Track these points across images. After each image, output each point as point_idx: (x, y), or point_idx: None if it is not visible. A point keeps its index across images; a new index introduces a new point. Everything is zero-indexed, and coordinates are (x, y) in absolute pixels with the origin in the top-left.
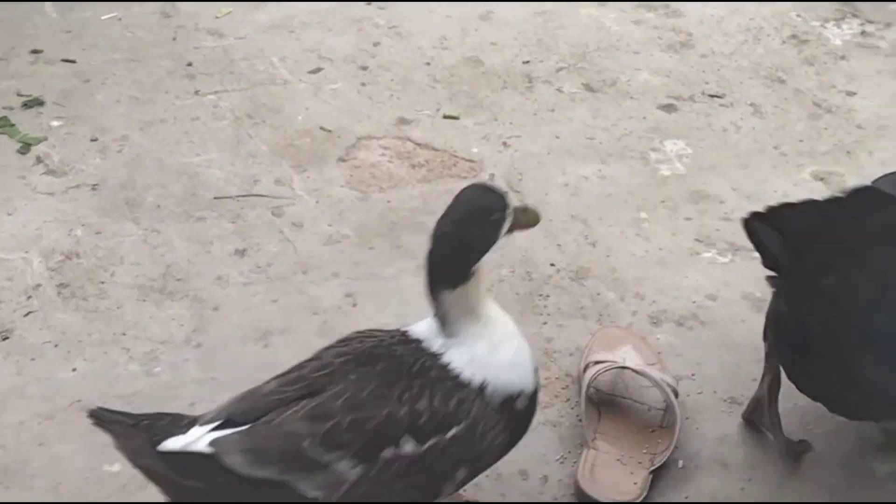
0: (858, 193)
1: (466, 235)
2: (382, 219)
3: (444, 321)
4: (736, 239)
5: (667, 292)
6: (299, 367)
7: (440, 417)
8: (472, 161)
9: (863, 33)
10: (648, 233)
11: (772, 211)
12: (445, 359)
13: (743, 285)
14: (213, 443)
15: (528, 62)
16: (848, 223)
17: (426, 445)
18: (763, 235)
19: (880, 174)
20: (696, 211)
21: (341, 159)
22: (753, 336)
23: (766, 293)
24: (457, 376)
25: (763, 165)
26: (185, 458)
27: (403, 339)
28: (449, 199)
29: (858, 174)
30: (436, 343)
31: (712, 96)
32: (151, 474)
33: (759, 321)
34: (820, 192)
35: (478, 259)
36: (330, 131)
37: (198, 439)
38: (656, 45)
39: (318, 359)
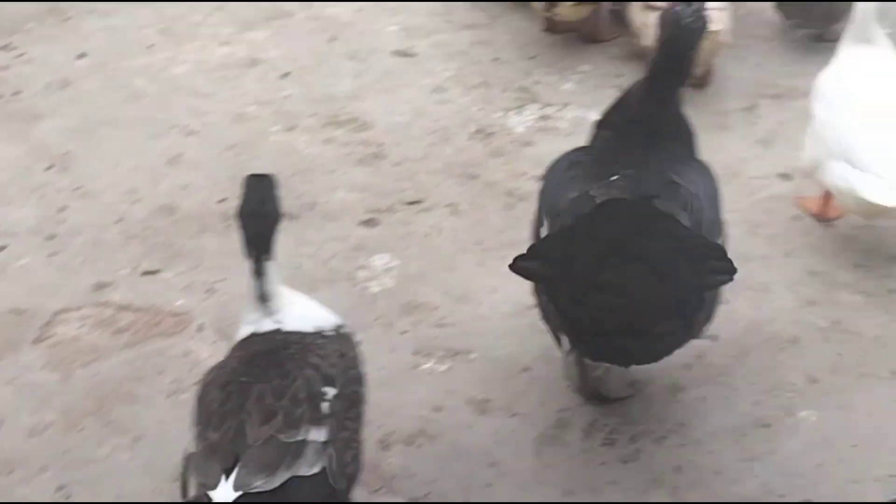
0: (601, 207)
1: (271, 211)
2: (89, 396)
3: (268, 296)
4: (453, 343)
5: (393, 413)
6: None
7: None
8: (178, 315)
9: (543, 117)
10: (366, 355)
11: (531, 249)
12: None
13: (465, 390)
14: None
15: (223, 200)
16: (604, 230)
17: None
18: (530, 269)
19: None
20: (411, 323)
21: (37, 340)
22: (482, 441)
23: (488, 394)
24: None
25: (468, 264)
26: None
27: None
28: (159, 361)
29: None
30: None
31: (410, 203)
32: None
33: (485, 424)
34: (526, 282)
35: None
36: (22, 312)
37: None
38: (349, 161)
39: None
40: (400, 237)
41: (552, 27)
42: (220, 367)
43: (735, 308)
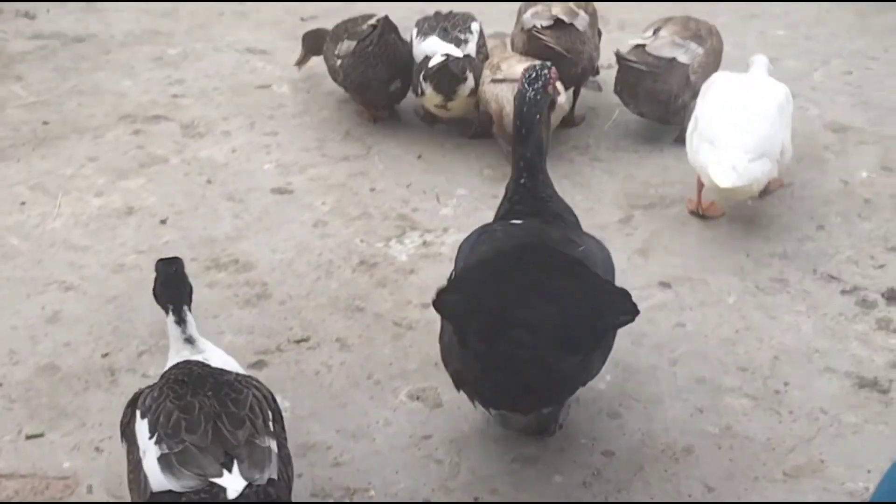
0: (520, 247)
1: (183, 271)
2: None
3: (191, 337)
4: (350, 482)
5: None
6: None
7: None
8: (65, 478)
9: (424, 244)
10: None
11: (453, 282)
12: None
13: None
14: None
15: (107, 355)
16: (518, 273)
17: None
18: (452, 308)
19: None
20: (306, 464)
21: None
22: None
23: None
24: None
25: (360, 399)
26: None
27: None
28: None
29: (450, 383)
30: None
31: (298, 341)
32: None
33: None
34: (419, 412)
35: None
36: None
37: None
38: (234, 304)
39: None
40: (290, 377)
41: (434, 119)
42: (158, 386)
43: (627, 421)
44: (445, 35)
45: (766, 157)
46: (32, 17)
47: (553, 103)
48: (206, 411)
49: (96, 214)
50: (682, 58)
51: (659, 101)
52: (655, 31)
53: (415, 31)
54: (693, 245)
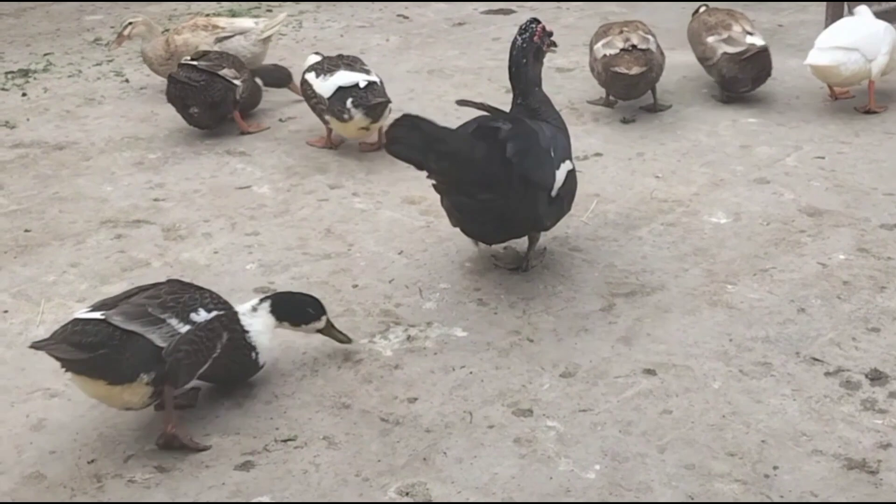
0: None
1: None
2: None
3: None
4: None
5: None
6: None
7: (214, 304)
8: None
9: (409, 338)
10: None
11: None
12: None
13: None
14: (103, 313)
15: (93, 461)
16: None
17: (210, 315)
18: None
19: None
20: None
21: None
22: None
23: None
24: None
25: (349, 497)
26: (86, 322)
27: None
28: None
29: (439, 478)
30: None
31: (285, 441)
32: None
33: None
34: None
35: None
36: None
37: (90, 313)
38: (220, 405)
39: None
40: (278, 477)
41: (367, 146)
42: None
43: None
44: (351, 68)
45: (859, 52)
46: (13, 126)
47: (539, 50)
48: (143, 292)
49: None
50: (652, 47)
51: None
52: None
53: (312, 74)
54: (675, 331)
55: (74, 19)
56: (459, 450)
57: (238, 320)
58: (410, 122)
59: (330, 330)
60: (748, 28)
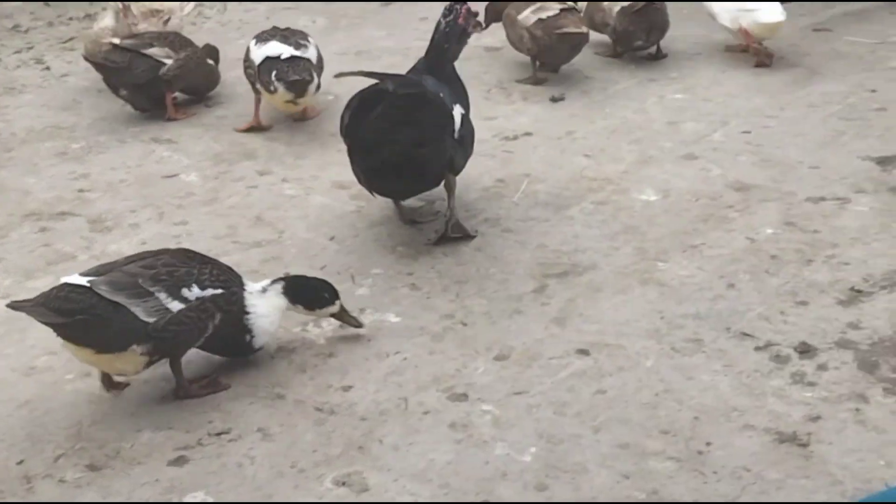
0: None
1: None
2: None
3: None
4: None
5: None
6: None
7: (212, 281)
8: None
9: (342, 326)
10: None
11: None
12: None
13: None
14: (90, 280)
15: (21, 462)
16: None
17: (204, 293)
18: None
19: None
20: None
21: None
22: None
23: None
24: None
25: (285, 489)
26: (73, 290)
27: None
28: None
29: (375, 466)
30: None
31: (219, 434)
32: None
33: None
34: (345, 497)
35: None
36: None
37: (78, 279)
38: (152, 399)
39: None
40: (212, 471)
41: (298, 116)
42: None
43: (555, 493)
44: (285, 40)
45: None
46: None
47: (464, 31)
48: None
49: (4, 317)
50: None
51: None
52: None
53: (253, 41)
54: (608, 311)
55: None
56: (395, 437)
57: (237, 300)
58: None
59: (343, 314)
60: None
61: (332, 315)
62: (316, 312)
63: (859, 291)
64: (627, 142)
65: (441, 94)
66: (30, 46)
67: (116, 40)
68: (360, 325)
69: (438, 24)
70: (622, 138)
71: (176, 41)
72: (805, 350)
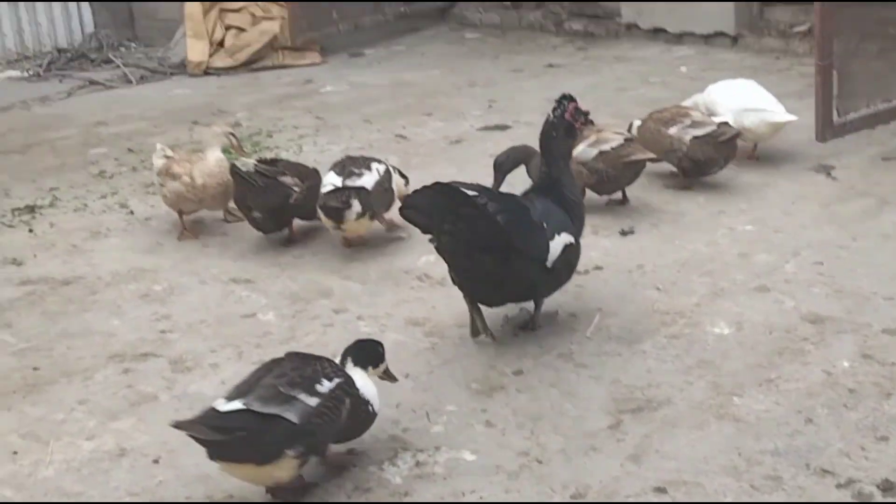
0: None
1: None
2: None
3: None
4: None
5: None
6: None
7: (333, 372)
8: None
9: (417, 464)
10: None
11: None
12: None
13: None
14: (243, 402)
15: None
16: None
17: (333, 384)
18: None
19: None
20: None
21: None
22: None
23: None
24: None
25: None
26: (230, 413)
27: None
28: None
29: None
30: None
31: None
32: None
33: None
34: None
35: None
36: None
37: (232, 404)
38: None
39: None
40: None
41: (347, 243)
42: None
43: None
44: (342, 171)
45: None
46: (20, 263)
47: (571, 127)
48: (264, 370)
49: (88, 459)
50: None
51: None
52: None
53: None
54: (684, 447)
55: (79, 153)
56: None
57: (352, 382)
58: (438, 188)
59: (387, 372)
60: (704, 115)
61: (382, 372)
62: (377, 370)
63: None
64: (699, 274)
65: (543, 223)
66: (114, 192)
67: (251, 163)
68: (396, 380)
69: (547, 117)
70: (693, 271)
71: (302, 171)
72: (888, 487)
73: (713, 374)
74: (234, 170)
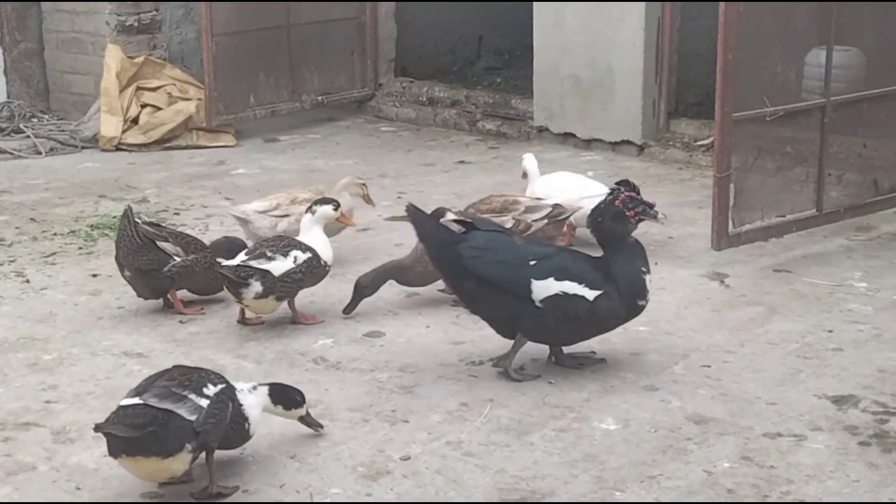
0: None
1: None
2: None
3: None
4: None
5: None
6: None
7: (217, 379)
8: None
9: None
10: None
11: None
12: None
13: None
14: (141, 398)
15: None
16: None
17: (217, 388)
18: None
19: None
20: None
21: None
22: None
23: None
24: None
25: None
26: (134, 408)
27: None
28: None
29: None
30: None
31: None
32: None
33: None
34: None
35: None
36: None
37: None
38: None
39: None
40: None
41: (243, 318)
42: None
43: None
44: (253, 251)
45: None
46: None
47: (619, 213)
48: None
49: None
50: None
51: None
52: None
53: None
54: None
55: None
56: None
57: (235, 394)
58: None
59: (307, 418)
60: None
61: (300, 417)
62: (291, 412)
63: None
64: (591, 370)
65: (530, 260)
66: (12, 259)
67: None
68: (320, 427)
69: (598, 202)
70: (586, 368)
71: (191, 243)
72: None
73: (598, 468)
74: (123, 221)
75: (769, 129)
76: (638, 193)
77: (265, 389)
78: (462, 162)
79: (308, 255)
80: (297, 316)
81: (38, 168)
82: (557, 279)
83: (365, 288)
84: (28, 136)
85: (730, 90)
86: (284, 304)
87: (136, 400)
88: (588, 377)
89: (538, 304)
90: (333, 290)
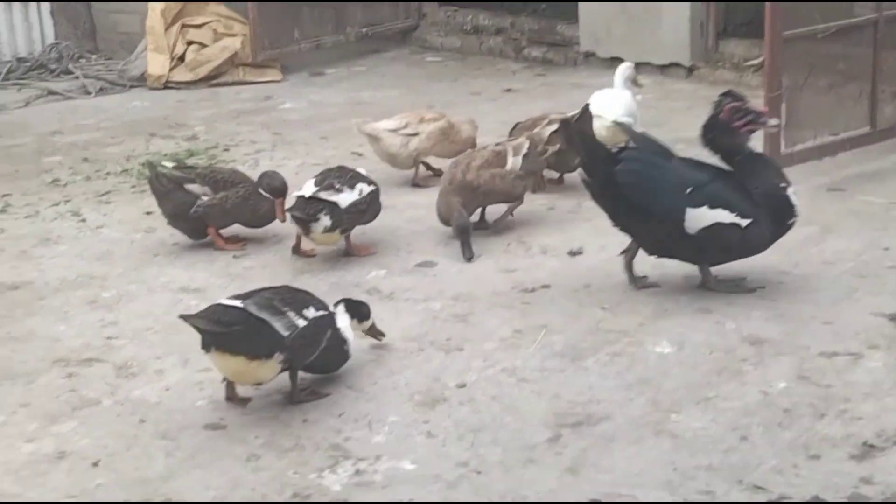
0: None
1: None
2: None
3: None
4: None
5: None
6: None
7: (321, 305)
8: None
9: (357, 472)
10: None
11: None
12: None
13: None
14: (243, 302)
15: None
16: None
17: (318, 314)
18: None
19: None
20: None
21: None
22: None
23: None
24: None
25: None
26: (229, 308)
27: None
28: None
29: None
30: None
31: None
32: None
33: None
34: None
35: None
36: None
37: (232, 302)
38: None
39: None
40: None
41: (298, 251)
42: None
43: None
44: (321, 182)
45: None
46: None
47: (726, 126)
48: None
49: (26, 461)
50: None
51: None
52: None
53: None
54: (621, 461)
55: (33, 162)
56: None
57: (335, 321)
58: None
59: (374, 328)
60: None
61: (369, 328)
62: (363, 325)
63: (872, 446)
64: (644, 295)
65: (686, 188)
66: (67, 200)
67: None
68: (383, 335)
69: (707, 116)
70: (639, 291)
71: (225, 179)
72: None
73: (653, 391)
74: (149, 172)
75: (820, 47)
76: (745, 103)
77: (342, 307)
78: (509, 90)
79: (372, 187)
80: (350, 247)
81: (88, 108)
82: (711, 207)
83: (470, 225)
84: (77, 77)
85: (779, 8)
86: None
87: (237, 303)
88: (642, 301)
89: (692, 232)
90: (387, 221)
